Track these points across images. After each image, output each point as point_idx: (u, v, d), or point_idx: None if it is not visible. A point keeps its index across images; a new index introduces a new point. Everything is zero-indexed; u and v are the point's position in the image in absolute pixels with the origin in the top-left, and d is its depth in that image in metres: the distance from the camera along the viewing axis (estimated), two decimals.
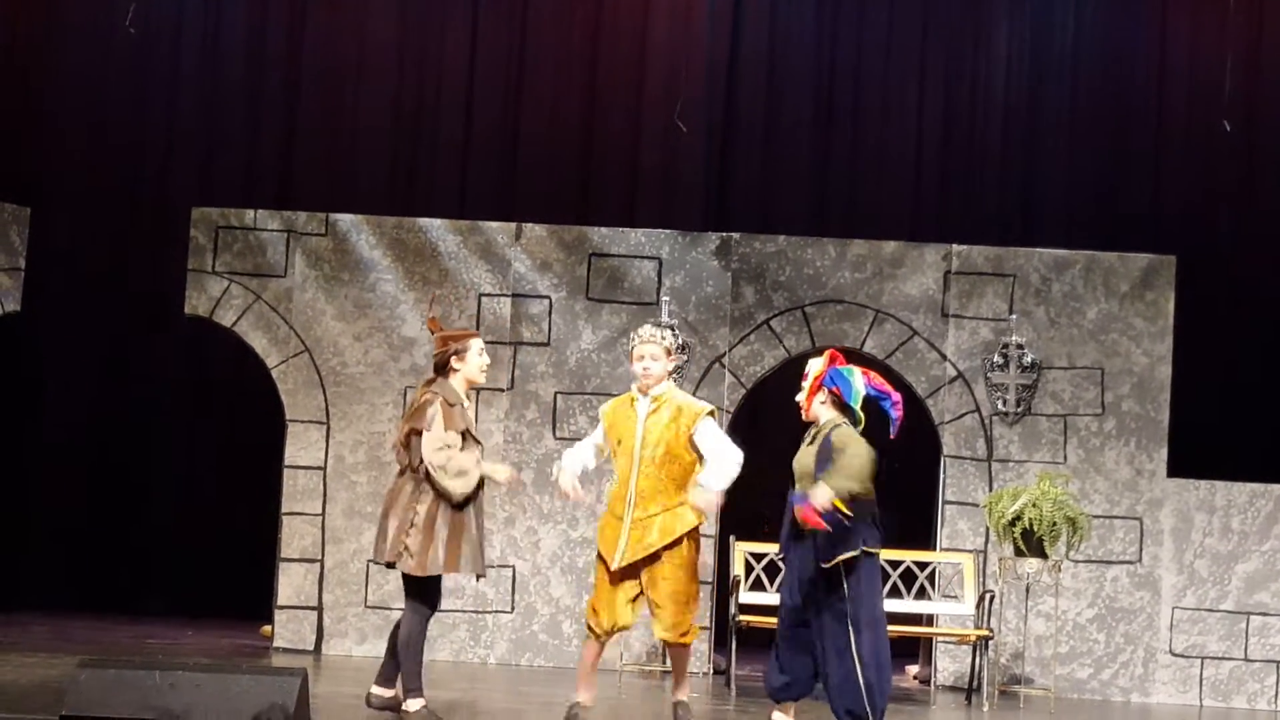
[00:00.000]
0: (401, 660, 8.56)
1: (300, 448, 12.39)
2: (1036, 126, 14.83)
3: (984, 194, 14.80)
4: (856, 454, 8.33)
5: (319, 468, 12.37)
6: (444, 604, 12.28)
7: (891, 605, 11.63)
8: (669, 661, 9.27)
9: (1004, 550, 11.51)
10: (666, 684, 11.72)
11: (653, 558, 8.52)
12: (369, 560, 12.27)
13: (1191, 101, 14.35)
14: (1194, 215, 14.34)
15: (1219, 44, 13.87)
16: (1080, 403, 12.39)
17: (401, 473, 8.59)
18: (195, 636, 12.87)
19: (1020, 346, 12.36)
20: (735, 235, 12.72)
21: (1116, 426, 12.37)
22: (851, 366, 8.69)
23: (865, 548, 8.36)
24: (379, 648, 12.13)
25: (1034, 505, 11.15)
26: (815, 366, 8.68)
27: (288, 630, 12.29)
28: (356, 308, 12.50)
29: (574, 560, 12.27)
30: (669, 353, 8.70)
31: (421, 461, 8.46)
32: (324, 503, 12.34)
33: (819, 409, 8.58)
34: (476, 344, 8.74)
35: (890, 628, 11.50)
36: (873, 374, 8.72)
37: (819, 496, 8.21)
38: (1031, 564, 11.26)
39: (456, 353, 8.66)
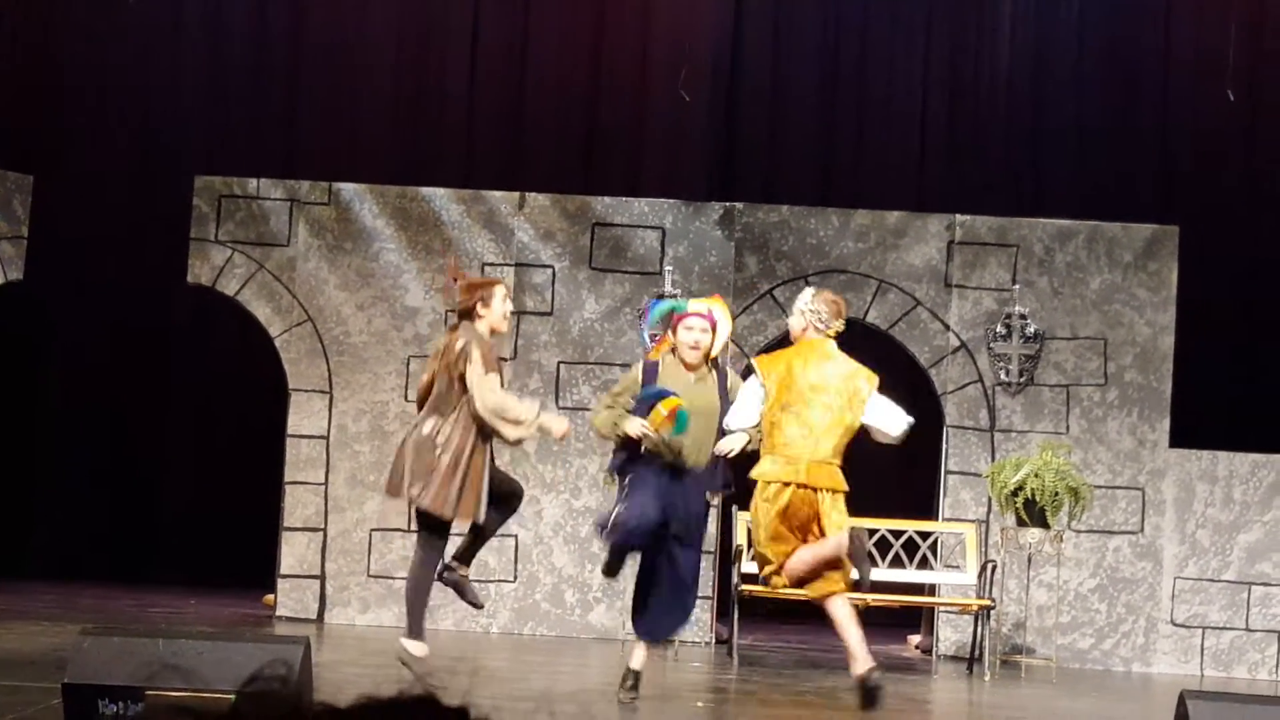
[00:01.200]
0: (409, 604, 8.72)
1: (303, 417, 12.40)
2: (1041, 96, 14.79)
3: (988, 164, 14.76)
4: None
5: (322, 437, 12.38)
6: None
7: (894, 575, 11.68)
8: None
9: (1006, 520, 11.53)
10: (668, 654, 11.76)
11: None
12: (372, 529, 12.30)
13: (1196, 70, 14.31)
14: (1198, 185, 14.31)
15: (1223, 12, 13.83)
16: (1083, 373, 12.39)
17: (431, 413, 8.68)
18: (198, 605, 12.90)
19: (1023, 316, 12.36)
20: (738, 205, 12.71)
21: (1119, 397, 12.37)
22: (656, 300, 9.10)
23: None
24: (381, 617, 12.19)
25: (1036, 475, 11.16)
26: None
27: (290, 599, 12.32)
28: (359, 277, 12.50)
29: (576, 530, 12.29)
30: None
31: (460, 403, 8.58)
32: (327, 472, 12.36)
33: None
34: (500, 290, 8.88)
35: (892, 597, 11.60)
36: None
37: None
38: (1033, 534, 11.28)
39: (482, 299, 8.78)
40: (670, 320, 8.92)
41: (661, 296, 9.69)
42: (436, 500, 8.59)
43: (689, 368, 8.77)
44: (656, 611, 8.76)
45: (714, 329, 8.82)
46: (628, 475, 8.70)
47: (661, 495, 8.57)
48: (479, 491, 8.68)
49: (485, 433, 8.72)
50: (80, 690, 6.64)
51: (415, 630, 8.74)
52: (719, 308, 8.97)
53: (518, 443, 9.05)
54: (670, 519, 8.60)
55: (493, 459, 8.91)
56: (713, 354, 8.85)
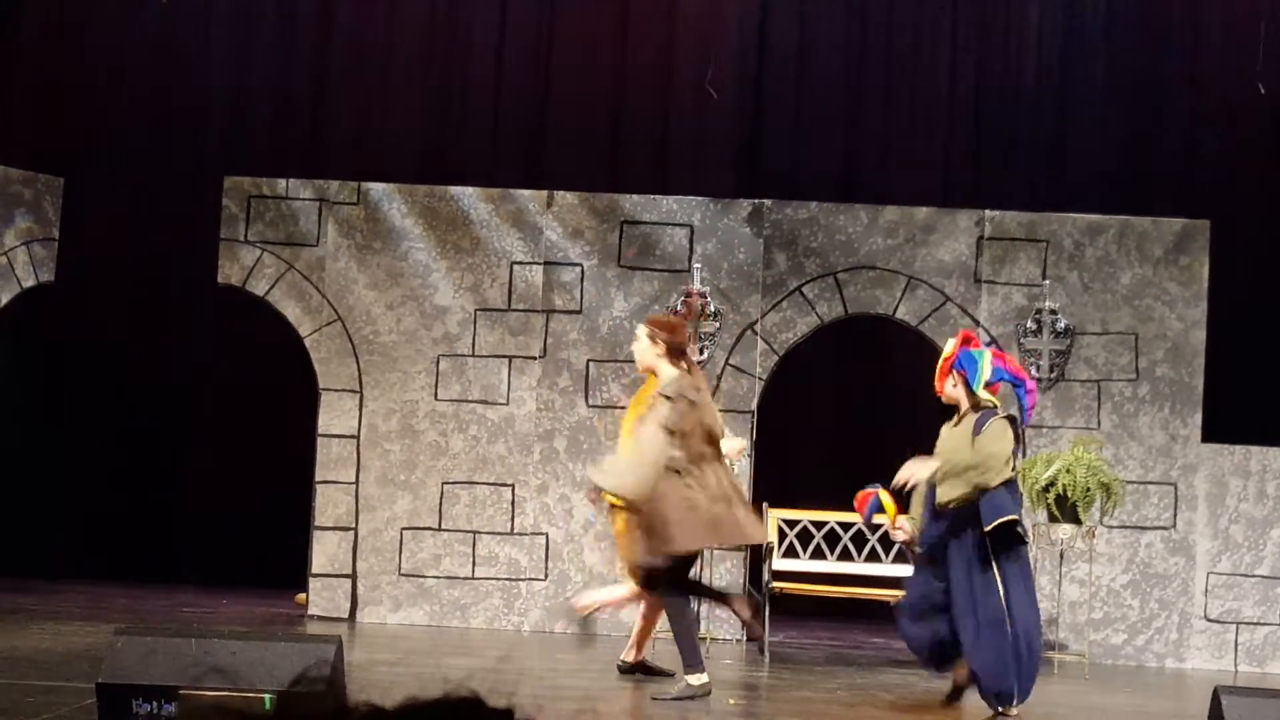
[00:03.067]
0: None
1: (333, 416, 12.42)
2: (1070, 91, 14.74)
3: (1017, 159, 14.71)
4: (994, 452, 8.63)
5: (352, 436, 12.40)
6: (479, 571, 12.35)
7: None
8: None
9: (1038, 516, 11.49)
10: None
11: None
12: (403, 528, 12.32)
13: (1225, 64, 14.25)
14: (1228, 179, 14.25)
15: (1253, 5, 13.76)
16: (1114, 368, 12.35)
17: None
18: (230, 605, 12.93)
19: (1054, 312, 12.32)
20: (767, 202, 12.70)
21: (1150, 392, 12.33)
22: (983, 349, 8.87)
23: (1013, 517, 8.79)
24: (413, 615, 12.21)
25: (1068, 471, 11.12)
26: (947, 348, 8.86)
27: (322, 598, 12.34)
28: (389, 276, 12.51)
29: (607, 528, 12.27)
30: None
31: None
32: (357, 471, 12.38)
33: (951, 391, 8.81)
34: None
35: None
36: (1008, 356, 8.92)
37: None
38: (1065, 530, 11.24)
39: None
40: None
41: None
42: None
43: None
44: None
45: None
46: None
47: None
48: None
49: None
50: (115, 690, 6.66)
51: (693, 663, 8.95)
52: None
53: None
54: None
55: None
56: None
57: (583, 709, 8.18)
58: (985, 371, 8.76)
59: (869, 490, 9.30)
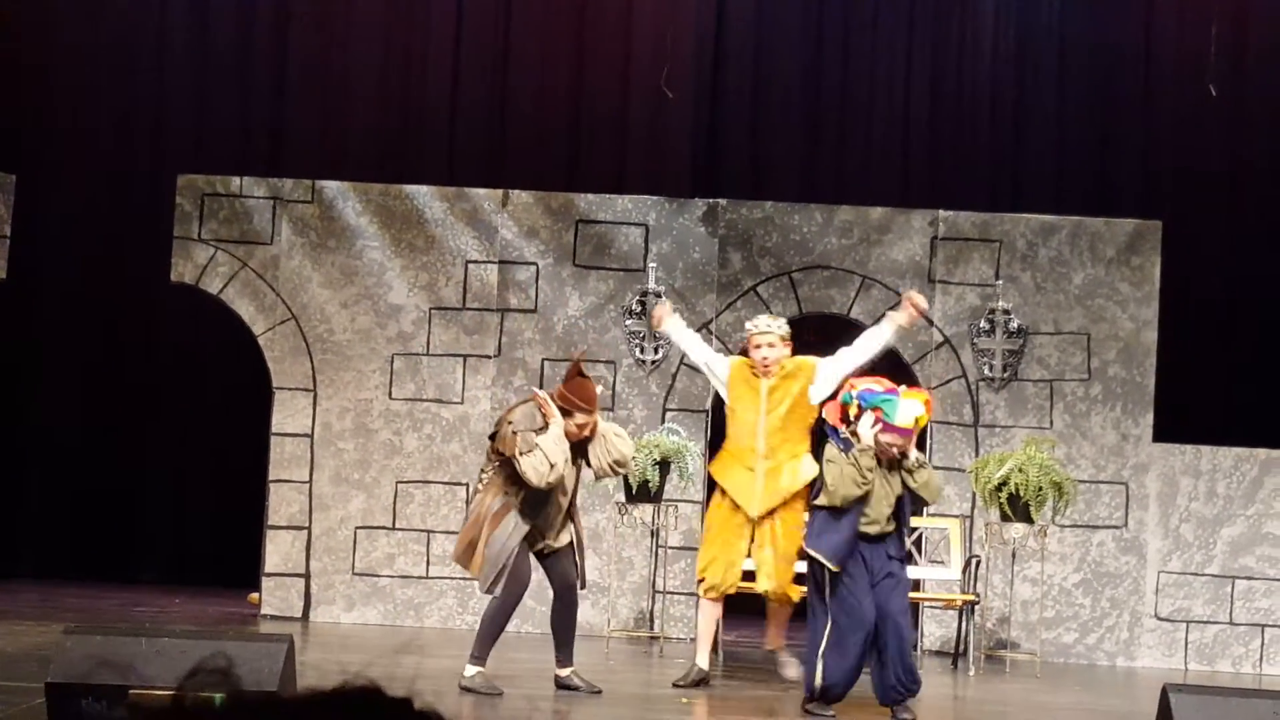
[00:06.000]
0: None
1: (287, 415, 12.39)
2: (1023, 91, 14.80)
3: (972, 160, 14.77)
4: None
5: (306, 435, 12.38)
6: (433, 570, 12.35)
7: None
8: (768, 614, 9.89)
9: (990, 515, 11.54)
10: (653, 649, 11.76)
11: (779, 506, 9.28)
12: (356, 527, 12.31)
13: (1178, 66, 14.33)
14: (1180, 180, 14.33)
15: (1205, 7, 13.84)
16: (1066, 368, 12.41)
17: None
18: (183, 604, 12.89)
19: (1007, 312, 12.37)
20: (722, 201, 12.72)
21: (1102, 391, 12.39)
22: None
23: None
24: (366, 614, 12.20)
25: (1020, 470, 11.17)
26: (921, 410, 8.93)
27: (275, 598, 12.31)
28: (343, 275, 12.49)
29: None
30: (784, 340, 9.45)
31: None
32: (311, 470, 12.36)
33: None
34: (580, 418, 8.98)
35: None
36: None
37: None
38: (1017, 529, 11.29)
39: (566, 411, 8.99)
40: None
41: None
42: None
43: None
44: None
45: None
46: None
47: None
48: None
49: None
50: (64, 689, 6.64)
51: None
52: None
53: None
54: None
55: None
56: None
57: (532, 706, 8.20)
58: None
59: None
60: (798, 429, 9.47)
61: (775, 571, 9.37)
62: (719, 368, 9.63)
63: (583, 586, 9.36)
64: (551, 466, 8.76)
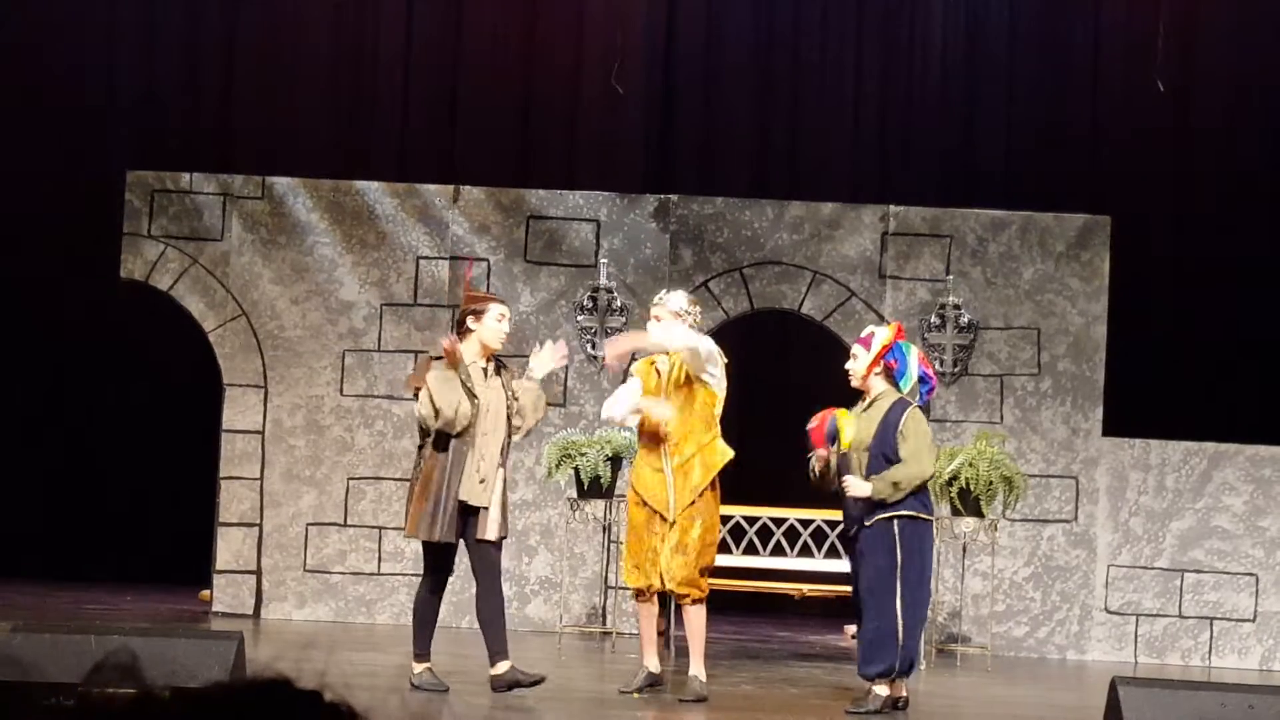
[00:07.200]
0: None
1: (238, 411, 12.35)
2: (973, 87, 14.86)
3: (923, 155, 14.82)
4: (920, 446, 8.62)
5: (257, 432, 12.33)
6: (384, 567, 12.31)
7: (830, 565, 11.73)
8: (683, 625, 9.33)
9: (941, 509, 11.57)
10: (605, 645, 11.75)
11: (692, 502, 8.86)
12: (308, 524, 12.27)
13: (1127, 61, 14.41)
14: (1129, 176, 14.41)
15: (1153, 3, 13.92)
16: (1016, 363, 12.47)
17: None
18: (134, 602, 12.83)
19: (957, 307, 12.42)
20: (673, 197, 12.73)
21: (1052, 386, 12.45)
22: (910, 344, 8.86)
23: (911, 512, 8.65)
24: (318, 611, 12.17)
25: (970, 465, 11.21)
26: (885, 335, 8.78)
27: (226, 595, 12.27)
28: (294, 271, 12.45)
29: (513, 523, 12.25)
30: (677, 315, 8.94)
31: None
32: (262, 467, 12.32)
33: (873, 380, 8.72)
34: (496, 309, 8.82)
35: (828, 587, 11.64)
36: (922, 354, 8.94)
37: (861, 489, 8.58)
38: (968, 523, 11.33)
39: (474, 313, 8.74)
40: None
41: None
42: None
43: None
44: None
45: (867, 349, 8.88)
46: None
47: None
48: (423, 503, 8.81)
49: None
50: (9, 688, 6.60)
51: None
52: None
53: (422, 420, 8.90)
54: None
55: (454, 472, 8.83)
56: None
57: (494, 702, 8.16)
58: (913, 374, 8.76)
59: (825, 412, 8.87)
60: (700, 420, 8.94)
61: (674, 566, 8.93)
62: (637, 384, 9.18)
63: (504, 536, 9.12)
64: (437, 411, 8.57)
